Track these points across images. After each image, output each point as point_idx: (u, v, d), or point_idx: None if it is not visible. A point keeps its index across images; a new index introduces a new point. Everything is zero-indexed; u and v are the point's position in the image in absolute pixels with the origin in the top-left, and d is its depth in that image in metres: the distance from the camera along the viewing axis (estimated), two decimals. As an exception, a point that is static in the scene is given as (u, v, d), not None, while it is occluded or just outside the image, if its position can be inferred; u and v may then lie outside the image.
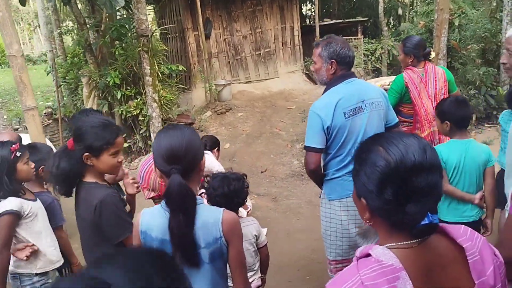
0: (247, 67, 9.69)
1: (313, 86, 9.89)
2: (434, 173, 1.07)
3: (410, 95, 3.54)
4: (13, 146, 2.41)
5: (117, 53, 6.59)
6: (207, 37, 9.01)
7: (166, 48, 7.42)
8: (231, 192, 2.42)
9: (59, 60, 9.36)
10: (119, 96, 6.65)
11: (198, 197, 1.66)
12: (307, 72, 10.34)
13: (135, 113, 6.75)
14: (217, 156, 4.34)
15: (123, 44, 6.83)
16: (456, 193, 2.69)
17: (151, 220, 1.67)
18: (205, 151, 4.19)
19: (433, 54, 3.70)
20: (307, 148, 2.57)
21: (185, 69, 6.94)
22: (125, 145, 7.09)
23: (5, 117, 12.34)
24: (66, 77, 8.46)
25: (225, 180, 2.44)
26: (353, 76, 2.65)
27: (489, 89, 7.30)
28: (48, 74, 9.74)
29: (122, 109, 6.76)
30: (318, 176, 2.68)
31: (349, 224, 2.63)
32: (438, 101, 3.51)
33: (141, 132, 6.96)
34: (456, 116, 2.70)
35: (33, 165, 2.52)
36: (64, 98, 9.82)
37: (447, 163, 2.69)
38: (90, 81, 7.01)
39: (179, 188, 1.56)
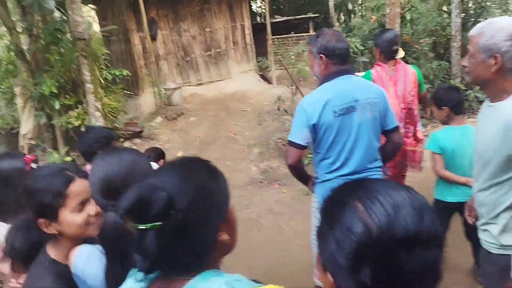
0: (198, 69, 9.27)
1: (267, 86, 9.63)
2: (433, 248, 0.78)
3: None
4: (27, 156, 2.02)
5: (52, 59, 5.99)
6: (153, 38, 8.51)
7: (108, 51, 6.86)
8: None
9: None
10: (57, 106, 6.05)
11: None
12: (260, 72, 10.06)
13: (77, 124, 6.17)
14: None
15: (60, 49, 6.23)
16: (452, 177, 2.84)
17: (87, 265, 1.36)
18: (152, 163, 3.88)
19: (401, 54, 3.48)
20: (289, 143, 2.49)
21: (129, 73, 6.44)
22: (68, 158, 6.50)
23: None
24: (1, 86, 7.70)
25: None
26: (350, 72, 2.50)
27: (441, 82, 7.31)
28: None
29: (61, 121, 6.16)
30: (298, 173, 2.64)
31: None
32: (406, 103, 3.32)
33: (85, 144, 6.38)
34: (453, 100, 2.81)
35: None
36: (1, 109, 9.01)
37: (445, 149, 2.82)
38: (24, 91, 6.36)
39: (113, 230, 1.25)
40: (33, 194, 1.42)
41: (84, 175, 1.45)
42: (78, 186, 1.43)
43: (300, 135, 2.43)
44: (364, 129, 2.42)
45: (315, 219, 2.67)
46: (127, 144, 6.90)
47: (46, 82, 5.92)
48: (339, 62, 2.44)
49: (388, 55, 3.32)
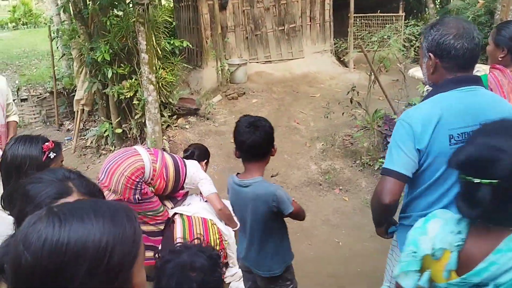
0: (268, 45, 8.47)
1: (342, 70, 8.63)
2: None
3: None
4: (46, 144, 1.95)
5: (109, 23, 5.53)
6: (223, 7, 7.82)
7: (173, 20, 6.28)
8: None
9: (63, 26, 8.36)
10: (109, 74, 5.62)
11: None
12: (336, 54, 9.06)
13: (129, 96, 5.73)
14: (204, 170, 3.54)
15: (118, 13, 5.76)
16: None
17: None
18: (190, 160, 3.18)
19: None
20: (385, 172, 1.82)
21: (190, 45, 5.85)
22: (119, 130, 6.13)
23: (16, 82, 11.58)
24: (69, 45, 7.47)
25: (182, 273, 1.38)
26: (476, 82, 1.83)
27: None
28: (53, 40, 8.84)
29: (114, 90, 5.75)
30: (389, 215, 2.00)
31: None
32: None
33: (136, 117, 5.96)
34: None
35: None
36: (71, 68, 8.90)
37: None
38: (79, 55, 6.02)
39: None
40: (27, 200, 1.33)
41: (86, 192, 1.36)
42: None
43: (403, 162, 1.79)
44: None
45: (389, 263, 2.17)
46: (180, 121, 6.39)
47: (100, 48, 5.49)
48: (457, 67, 1.78)
49: None
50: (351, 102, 5.43)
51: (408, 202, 1.97)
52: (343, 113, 5.68)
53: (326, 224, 4.58)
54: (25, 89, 8.28)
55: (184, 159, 3.40)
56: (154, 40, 5.60)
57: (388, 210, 1.90)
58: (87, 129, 7.22)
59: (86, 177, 1.45)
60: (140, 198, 3.17)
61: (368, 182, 5.13)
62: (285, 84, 7.73)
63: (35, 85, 9.16)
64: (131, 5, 5.65)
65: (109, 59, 5.50)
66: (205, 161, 3.58)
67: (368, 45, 6.47)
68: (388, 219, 2.04)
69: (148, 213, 3.27)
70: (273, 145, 2.30)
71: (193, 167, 3.33)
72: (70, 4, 5.78)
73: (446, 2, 10.66)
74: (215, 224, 3.19)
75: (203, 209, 3.27)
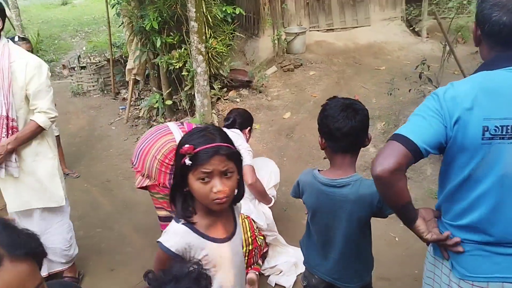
0: (330, 11, 7.77)
1: (413, 40, 7.77)
2: None
3: None
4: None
5: (158, -11, 5.24)
6: (283, -30, 7.24)
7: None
8: None
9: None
10: (158, 44, 5.37)
11: None
12: (408, 22, 8.16)
13: (178, 66, 5.47)
14: (247, 138, 3.34)
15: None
16: None
17: None
18: (232, 130, 2.95)
19: None
20: (392, 137, 1.47)
21: (242, 12, 5.41)
22: (169, 102, 5.93)
23: (83, 48, 11.87)
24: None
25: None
26: None
27: None
28: (113, 7, 8.80)
29: (163, 60, 5.51)
30: (394, 193, 1.48)
31: None
32: None
33: (185, 89, 5.71)
34: None
35: None
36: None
37: None
38: (130, 23, 5.82)
39: None
40: None
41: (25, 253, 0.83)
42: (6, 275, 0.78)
43: (419, 130, 1.44)
44: None
45: (425, 272, 1.79)
46: (231, 94, 6.06)
47: (149, 15, 5.23)
48: (498, 44, 1.45)
49: None
50: (420, 77, 4.76)
51: (439, 203, 1.63)
52: (410, 90, 5.02)
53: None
54: (85, 57, 8.33)
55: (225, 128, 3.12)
56: (204, 7, 5.25)
57: (383, 186, 1.46)
58: (142, 98, 7.13)
59: (17, 227, 0.90)
60: None
61: (434, 169, 4.53)
62: (347, 55, 7.09)
63: (101, 52, 9.26)
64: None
65: (157, 28, 5.24)
66: (248, 128, 3.34)
67: (444, 11, 5.64)
68: (400, 200, 1.50)
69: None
70: (367, 133, 1.89)
71: (234, 136, 3.06)
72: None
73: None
74: (246, 219, 2.86)
75: None
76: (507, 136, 1.36)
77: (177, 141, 2.82)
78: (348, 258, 1.99)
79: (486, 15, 1.43)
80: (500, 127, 1.36)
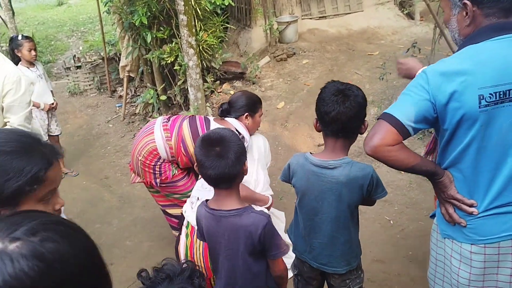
0: (322, -2, 7.77)
1: (407, 23, 7.74)
2: None
3: None
4: None
5: (145, -17, 5.24)
6: (272, -41, 7.21)
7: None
8: None
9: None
10: (149, 39, 5.39)
11: None
12: (401, 5, 8.12)
13: (170, 61, 5.49)
14: (246, 124, 2.79)
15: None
16: None
17: None
18: (226, 119, 2.66)
19: None
20: (382, 116, 1.58)
21: (232, 2, 5.40)
22: (164, 97, 5.96)
23: (80, 48, 11.90)
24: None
25: None
26: None
27: None
28: (105, 5, 8.80)
29: (154, 55, 5.53)
30: (397, 165, 1.63)
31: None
32: None
33: (179, 83, 5.73)
34: None
35: None
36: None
37: None
38: (120, 20, 5.83)
39: None
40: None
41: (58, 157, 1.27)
42: (54, 172, 1.22)
43: (406, 110, 1.54)
44: None
45: (432, 253, 1.86)
46: (225, 86, 6.08)
47: (138, 10, 5.25)
48: (502, 12, 1.50)
49: None
50: (411, 60, 4.76)
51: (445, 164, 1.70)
52: (402, 74, 5.03)
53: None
54: (80, 56, 8.36)
55: (222, 118, 2.87)
56: (193, 0, 5.24)
57: (379, 160, 1.58)
58: (138, 95, 7.17)
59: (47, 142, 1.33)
60: (160, 182, 2.94)
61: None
62: (341, 41, 7.08)
63: (96, 51, 9.27)
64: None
65: (147, 23, 5.25)
66: (245, 114, 2.79)
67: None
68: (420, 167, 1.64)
69: (175, 196, 3.05)
70: (363, 121, 1.91)
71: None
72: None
73: None
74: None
75: None
76: (500, 101, 1.45)
77: (157, 142, 2.82)
78: (335, 243, 2.01)
79: None
80: (494, 94, 1.45)
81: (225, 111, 2.84)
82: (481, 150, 1.52)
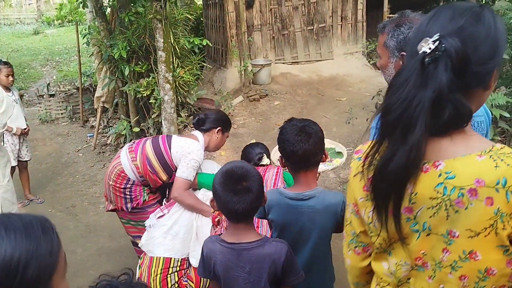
0: (295, 45, 8.19)
1: (374, 73, 8.22)
2: None
3: None
4: None
5: (127, 19, 5.43)
6: (250, 5, 7.61)
7: (189, 16, 6.13)
8: None
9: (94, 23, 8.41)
10: (126, 72, 5.53)
11: None
12: (370, 55, 8.64)
13: (146, 94, 5.62)
14: (217, 139, 2.94)
15: (138, 9, 5.66)
16: None
17: None
18: (193, 132, 2.75)
19: None
20: None
21: (209, 43, 5.66)
22: (137, 129, 6.04)
23: (53, 77, 11.86)
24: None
25: None
26: None
27: None
28: (84, 37, 8.94)
29: (131, 88, 5.66)
30: None
31: None
32: None
33: (153, 116, 5.85)
34: None
35: None
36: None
37: None
38: (99, 52, 5.97)
39: None
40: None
41: None
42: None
43: None
44: None
45: None
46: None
47: (118, 45, 5.41)
48: None
49: None
50: (376, 107, 5.08)
51: None
52: (367, 119, 5.33)
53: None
54: (55, 85, 8.39)
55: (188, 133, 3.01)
56: (172, 38, 5.47)
57: None
58: (111, 126, 7.21)
59: None
60: (132, 207, 2.99)
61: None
62: (311, 86, 7.43)
63: (71, 81, 9.30)
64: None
65: (126, 57, 5.41)
66: (218, 128, 2.89)
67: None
68: None
69: (143, 224, 3.07)
70: (324, 151, 1.99)
71: (179, 141, 2.85)
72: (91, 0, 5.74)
73: (492, 2, 9.98)
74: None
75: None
76: None
77: (123, 163, 2.90)
78: (314, 270, 2.08)
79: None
80: None
81: (200, 121, 2.92)
82: None
